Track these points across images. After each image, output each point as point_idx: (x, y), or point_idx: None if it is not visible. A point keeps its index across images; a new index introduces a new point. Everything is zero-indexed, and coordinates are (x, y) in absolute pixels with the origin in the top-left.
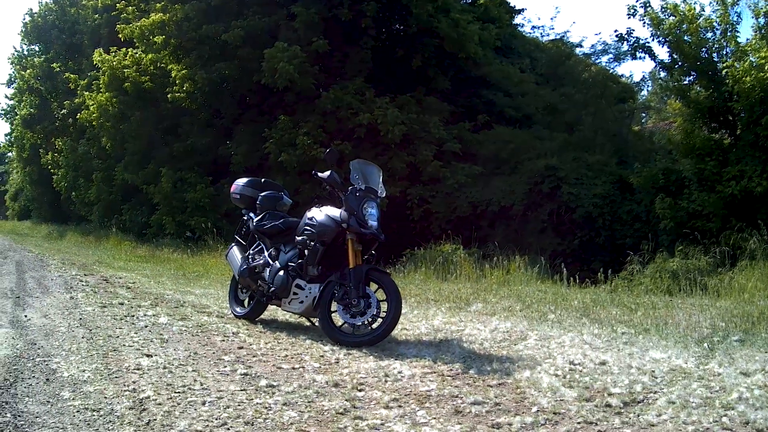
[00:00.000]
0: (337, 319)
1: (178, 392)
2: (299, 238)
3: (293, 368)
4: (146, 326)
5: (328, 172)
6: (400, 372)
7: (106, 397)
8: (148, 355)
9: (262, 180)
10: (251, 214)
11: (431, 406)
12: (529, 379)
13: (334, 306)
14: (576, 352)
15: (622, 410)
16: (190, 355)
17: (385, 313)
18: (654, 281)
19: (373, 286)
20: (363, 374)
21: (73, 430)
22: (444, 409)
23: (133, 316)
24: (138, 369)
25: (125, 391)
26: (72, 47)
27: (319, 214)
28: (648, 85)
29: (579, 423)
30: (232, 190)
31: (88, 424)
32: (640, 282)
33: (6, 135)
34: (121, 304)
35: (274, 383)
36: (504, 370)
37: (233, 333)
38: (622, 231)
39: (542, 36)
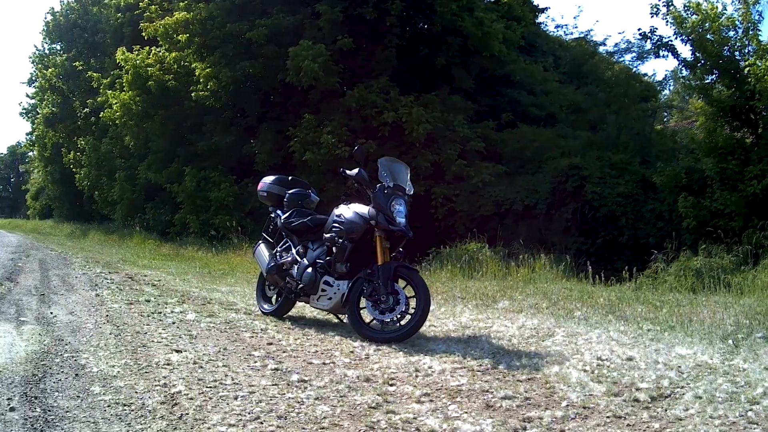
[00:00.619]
0: (366, 316)
1: (210, 387)
2: (327, 235)
3: (324, 363)
4: (174, 323)
5: (356, 170)
6: (430, 367)
7: (137, 392)
8: (177, 351)
9: (289, 177)
10: (278, 212)
11: (462, 401)
12: (558, 374)
13: (362, 303)
14: (603, 348)
15: (650, 405)
16: (220, 351)
17: (413, 310)
18: (678, 279)
19: (402, 283)
20: (393, 369)
21: (105, 424)
22: (475, 403)
23: (160, 312)
24: (168, 364)
25: (156, 386)
26: (94, 46)
27: (348, 211)
28: (670, 84)
29: (608, 417)
30: (259, 187)
31: (120, 418)
32: (664, 280)
33: (27, 134)
34: (148, 301)
35: (306, 378)
36: (533, 366)
37: (262, 329)
38: (645, 230)
39: (565, 35)
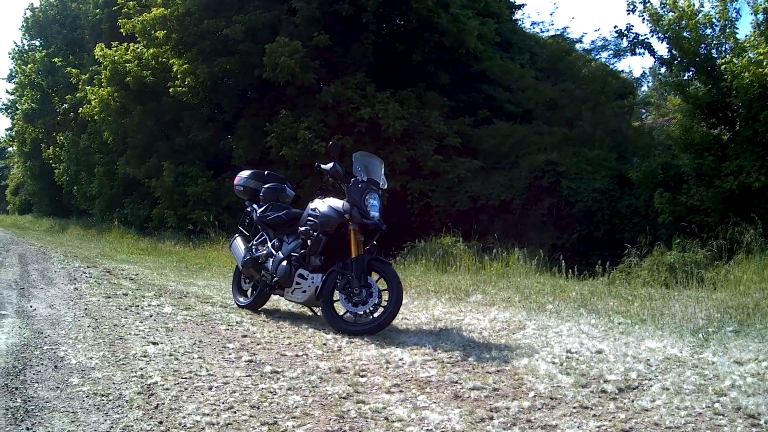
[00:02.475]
0: (340, 308)
1: (185, 378)
2: (302, 229)
3: (296, 355)
4: (151, 316)
5: (331, 164)
6: (401, 359)
7: (114, 383)
8: (154, 343)
9: (266, 172)
10: (254, 206)
11: (431, 391)
12: (527, 367)
13: (336, 295)
14: (573, 341)
15: (617, 396)
16: (195, 343)
17: (386, 303)
18: (651, 274)
19: (375, 276)
20: (365, 361)
21: (83, 413)
22: (444, 394)
23: (138, 306)
24: (145, 356)
25: (133, 377)
26: (73, 42)
27: (322, 205)
28: (648, 81)
29: (575, 407)
30: (235, 182)
31: (98, 408)
32: (637, 275)
33: (6, 130)
34: (126, 294)
35: (279, 369)
36: (502, 358)
37: (237, 322)
38: (621, 225)
39: (542, 32)
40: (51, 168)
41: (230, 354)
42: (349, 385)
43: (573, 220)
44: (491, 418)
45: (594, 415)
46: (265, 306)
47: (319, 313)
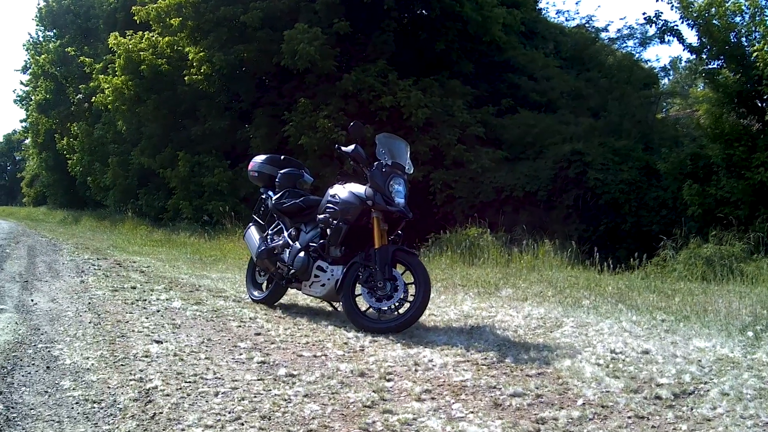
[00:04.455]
0: (362, 303)
1: (189, 382)
2: (321, 217)
3: (315, 356)
4: (158, 311)
5: (352, 146)
6: (431, 360)
7: (109, 387)
8: (158, 342)
9: (282, 157)
10: (270, 193)
11: (467, 399)
12: (571, 369)
13: (358, 289)
14: (616, 340)
15: (674, 403)
16: (204, 342)
17: (413, 297)
18: (688, 267)
19: (400, 269)
20: (391, 363)
21: (70, 423)
22: (481, 401)
23: (145, 300)
24: (146, 356)
25: (131, 380)
26: (87, 32)
27: (343, 191)
28: (670, 74)
29: (630, 417)
30: (249, 167)
31: (87, 417)
32: (673, 268)
33: (21, 121)
34: (134, 288)
35: (294, 372)
36: (542, 359)
37: (250, 318)
38: (649, 218)
39: (567, 20)
40: (65, 159)
41: (241, 354)
42: (373, 391)
43: (599, 212)
44: (538, 431)
45: (653, 427)
46: (281, 300)
47: (339, 309)
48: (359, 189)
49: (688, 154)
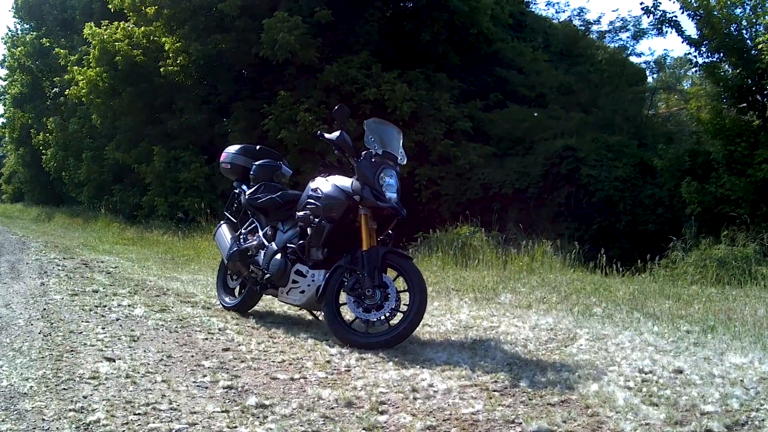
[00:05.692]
0: (347, 313)
1: (138, 414)
2: (300, 214)
3: (292, 379)
4: (117, 319)
5: (337, 133)
6: (431, 385)
7: (44, 420)
8: (109, 360)
9: (257, 147)
10: (243, 187)
11: None
12: (599, 395)
13: (343, 297)
14: (642, 356)
15: None
16: (163, 360)
17: (406, 307)
18: (699, 270)
19: (391, 274)
20: (383, 388)
21: None
22: None
23: (105, 306)
24: (94, 378)
25: (70, 410)
26: (64, 23)
27: (326, 184)
28: (655, 73)
29: None
30: (221, 158)
31: None
32: (684, 270)
33: None
34: (95, 291)
35: (267, 402)
36: (563, 382)
37: (219, 329)
38: (644, 216)
39: (557, 12)
40: (41, 155)
41: (205, 376)
42: (364, 429)
43: (592, 211)
44: None
45: None
46: (255, 308)
47: (321, 318)
48: (345, 182)
49: (686, 150)
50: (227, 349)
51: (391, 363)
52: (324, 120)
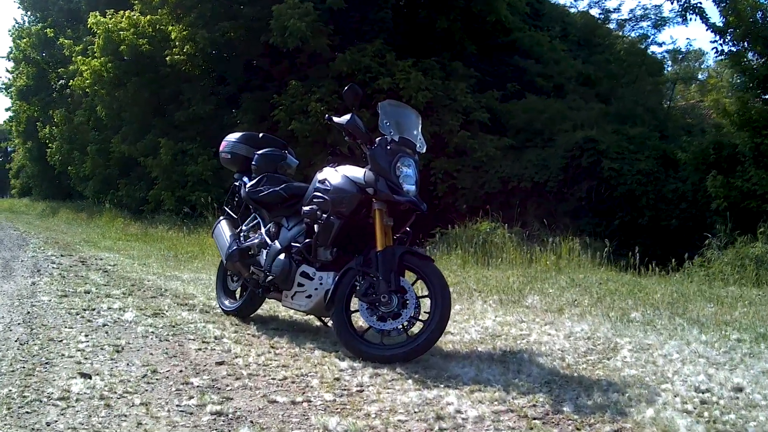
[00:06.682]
0: (359, 322)
1: None
2: (307, 209)
3: (293, 402)
4: (104, 325)
5: (347, 116)
6: (458, 411)
7: None
8: (85, 376)
9: (260, 135)
10: (245, 179)
11: None
12: (657, 422)
13: (354, 303)
14: (695, 371)
15: None
16: (146, 376)
17: (426, 315)
18: (736, 269)
19: (410, 277)
20: (402, 415)
21: None
22: None
23: (94, 309)
24: (64, 399)
25: None
26: (70, 13)
27: (335, 175)
28: (668, 65)
29: None
30: (221, 147)
31: None
32: (719, 270)
33: (6, 110)
34: (87, 292)
35: None
36: (613, 406)
37: (215, 338)
38: (667, 211)
39: (575, 0)
40: (47, 148)
41: (191, 398)
42: None
43: (614, 205)
44: None
45: None
46: (258, 311)
47: (329, 324)
48: (357, 173)
49: (711, 142)
50: (221, 363)
51: (410, 381)
52: (336, 110)
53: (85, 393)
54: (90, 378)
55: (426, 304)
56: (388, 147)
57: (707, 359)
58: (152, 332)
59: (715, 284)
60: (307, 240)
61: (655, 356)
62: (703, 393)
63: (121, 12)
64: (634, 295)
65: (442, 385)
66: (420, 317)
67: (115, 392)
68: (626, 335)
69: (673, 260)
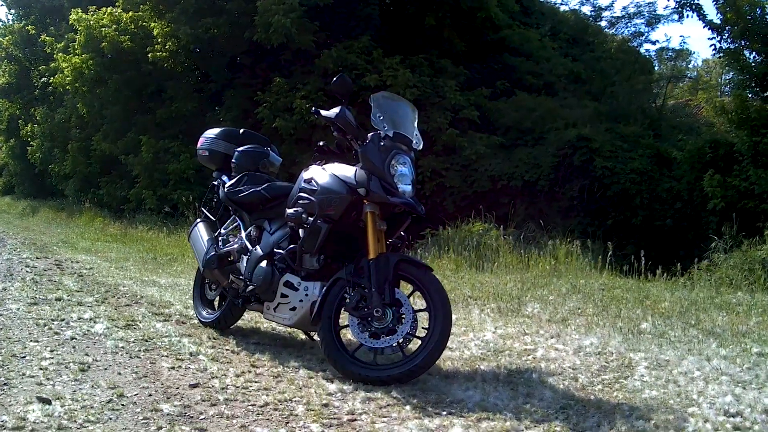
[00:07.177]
0: (349, 337)
1: None
2: (291, 212)
3: None
4: (72, 338)
5: (336, 109)
6: None
7: None
8: (44, 401)
9: (241, 131)
10: (224, 178)
11: None
12: None
13: (344, 318)
14: (721, 391)
15: None
16: (111, 401)
17: (426, 331)
18: (743, 274)
19: (406, 288)
20: None
21: None
22: None
23: (63, 320)
24: (18, 428)
25: None
26: (53, 10)
27: (322, 174)
28: (656, 65)
29: None
30: (199, 144)
31: None
32: (725, 274)
33: None
34: (59, 300)
35: None
36: None
37: (190, 355)
38: (662, 211)
39: None
40: (29, 146)
41: (160, 429)
42: None
43: (607, 205)
44: None
45: None
46: (239, 323)
47: (316, 338)
48: (347, 171)
49: (707, 141)
50: (196, 385)
51: (408, 407)
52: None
53: (42, 422)
54: (49, 403)
55: (423, 317)
56: (382, 143)
57: (731, 377)
58: (123, 347)
59: (723, 290)
60: (291, 246)
61: (675, 374)
62: (733, 417)
63: (104, 9)
64: (640, 303)
65: (444, 413)
66: (416, 333)
67: (75, 421)
68: (640, 350)
69: (678, 265)
